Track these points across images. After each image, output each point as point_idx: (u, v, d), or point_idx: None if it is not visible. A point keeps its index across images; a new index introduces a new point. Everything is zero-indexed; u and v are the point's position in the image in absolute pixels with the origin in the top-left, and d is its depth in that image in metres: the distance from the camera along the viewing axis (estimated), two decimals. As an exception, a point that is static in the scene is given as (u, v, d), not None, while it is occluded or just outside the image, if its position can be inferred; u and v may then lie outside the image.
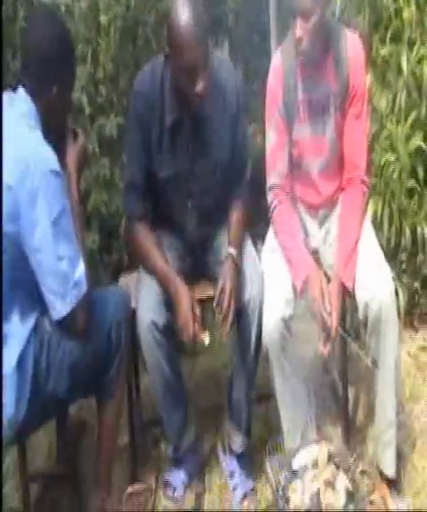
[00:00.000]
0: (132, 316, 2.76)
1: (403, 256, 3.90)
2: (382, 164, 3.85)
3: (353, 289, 2.79)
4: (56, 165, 2.38)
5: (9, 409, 2.41)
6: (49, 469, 3.23)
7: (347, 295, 2.83)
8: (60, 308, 2.43)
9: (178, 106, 2.77)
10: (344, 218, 2.96)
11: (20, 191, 2.31)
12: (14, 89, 2.50)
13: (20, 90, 2.48)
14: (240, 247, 2.90)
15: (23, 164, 2.32)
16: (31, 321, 2.48)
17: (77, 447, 3.29)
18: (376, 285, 2.73)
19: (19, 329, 2.45)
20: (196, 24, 2.56)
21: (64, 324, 2.49)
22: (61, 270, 2.39)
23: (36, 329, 2.48)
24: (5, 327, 2.43)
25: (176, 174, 2.88)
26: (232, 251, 2.84)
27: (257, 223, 3.17)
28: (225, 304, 2.73)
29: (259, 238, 3.13)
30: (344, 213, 2.97)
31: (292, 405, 2.87)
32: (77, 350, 2.55)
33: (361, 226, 2.94)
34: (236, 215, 2.98)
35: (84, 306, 2.47)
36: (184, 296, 2.72)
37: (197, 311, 2.71)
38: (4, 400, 2.40)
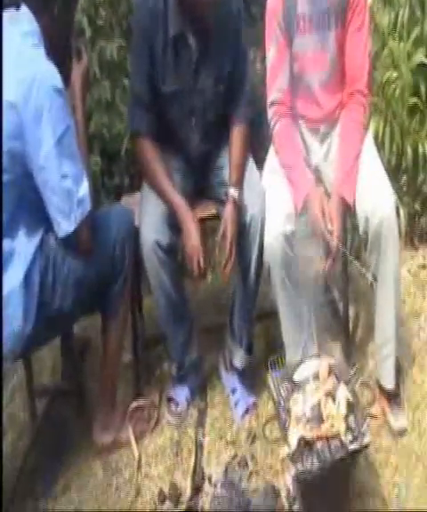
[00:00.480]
0: (135, 235, 2.77)
1: (404, 177, 3.89)
2: (384, 81, 3.80)
3: (354, 205, 2.79)
4: (60, 83, 2.37)
5: (16, 323, 2.45)
6: (54, 386, 3.29)
7: (347, 211, 2.83)
8: (65, 225, 2.45)
9: (181, 17, 2.73)
10: (345, 132, 2.95)
11: (25, 109, 2.30)
12: (17, 7, 2.45)
13: (24, 8, 2.44)
14: (241, 185, 2.89)
15: (27, 82, 2.31)
16: (37, 238, 2.51)
17: (82, 364, 3.35)
18: (377, 200, 2.73)
19: (25, 246, 2.48)
20: None
21: (69, 242, 2.52)
22: (66, 188, 2.40)
23: (41, 246, 2.51)
24: (12, 244, 2.46)
25: (180, 89, 2.86)
26: (233, 192, 2.83)
27: (258, 146, 3.15)
28: (226, 250, 2.75)
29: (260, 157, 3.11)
30: (345, 128, 2.96)
31: (293, 320, 2.91)
32: (82, 267, 2.59)
33: (362, 141, 2.94)
34: (237, 135, 2.96)
35: (88, 224, 2.50)
36: (193, 231, 2.74)
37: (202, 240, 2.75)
38: (12, 314, 2.44)
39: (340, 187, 2.82)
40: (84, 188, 2.45)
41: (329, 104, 3.02)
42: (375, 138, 3.65)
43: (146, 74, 2.84)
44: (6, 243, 2.45)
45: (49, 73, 2.36)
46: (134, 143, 2.98)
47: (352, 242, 3.30)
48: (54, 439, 3.01)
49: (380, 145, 3.67)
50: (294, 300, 2.87)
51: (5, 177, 2.37)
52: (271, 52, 2.93)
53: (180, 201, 2.78)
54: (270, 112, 2.97)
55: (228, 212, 2.80)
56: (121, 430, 2.97)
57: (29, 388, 2.99)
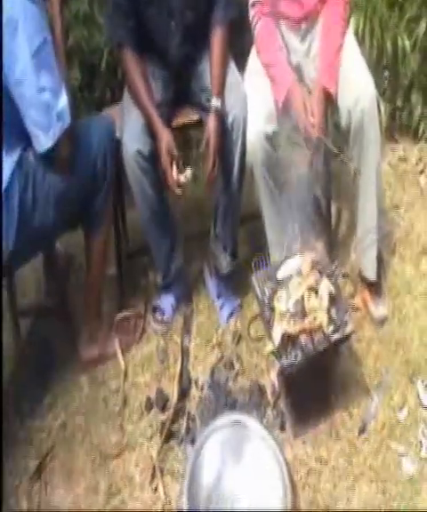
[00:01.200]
0: (117, 146, 2.72)
1: (385, 72, 3.84)
2: (364, -25, 3.70)
3: (336, 97, 2.76)
4: None
5: None
6: (38, 304, 3.25)
7: (329, 102, 2.78)
8: (44, 140, 2.38)
9: None
10: (327, 26, 2.88)
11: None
12: None
13: None
14: (223, 93, 2.79)
15: None
16: (15, 156, 2.44)
17: (65, 281, 3.30)
18: (358, 92, 2.70)
19: (3, 163, 2.41)
20: None
21: (49, 157, 2.45)
22: (44, 101, 2.33)
23: (20, 163, 2.45)
24: None
25: None
26: (215, 102, 2.75)
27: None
28: (210, 160, 2.70)
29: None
30: (326, 22, 2.88)
31: (276, 219, 2.89)
32: (63, 183, 2.53)
33: (344, 34, 2.88)
34: (217, 38, 2.85)
35: (68, 138, 2.43)
36: (164, 143, 2.66)
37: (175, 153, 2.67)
38: None
39: (322, 77, 2.78)
40: (62, 101, 2.38)
41: (310, 1, 2.91)
42: (355, 34, 3.53)
43: None
44: (-17, 161, 2.40)
45: None
46: (117, 54, 2.91)
47: (334, 140, 3.21)
48: (40, 357, 2.99)
49: (360, 41, 3.57)
50: (276, 200, 2.85)
51: None
52: None
53: (155, 116, 2.70)
54: (252, 12, 2.89)
55: (211, 122, 2.73)
56: (107, 343, 2.95)
57: (13, 308, 2.91)
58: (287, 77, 2.78)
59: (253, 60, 2.95)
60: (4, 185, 2.40)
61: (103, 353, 2.93)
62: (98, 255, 2.83)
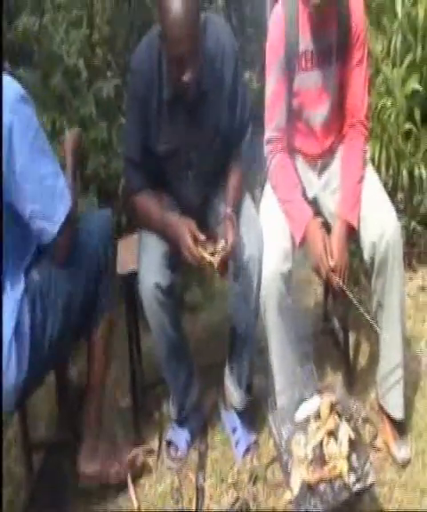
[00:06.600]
0: (134, 278, 2.75)
1: (400, 196, 3.87)
2: (379, 108, 3.79)
3: (358, 230, 2.76)
4: (21, 90, 2.34)
5: (11, 377, 2.40)
6: (51, 438, 3.19)
7: (352, 237, 2.79)
8: (49, 228, 2.41)
9: (175, 83, 2.65)
10: (347, 160, 2.91)
11: None
12: None
13: None
14: (237, 206, 2.84)
15: None
16: (20, 285, 2.44)
17: (79, 414, 3.18)
18: (383, 225, 2.70)
19: (12, 296, 2.42)
20: (185, 15, 2.43)
21: (53, 250, 2.48)
22: (46, 187, 2.38)
23: (27, 289, 2.45)
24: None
25: (176, 147, 2.81)
26: (229, 210, 2.76)
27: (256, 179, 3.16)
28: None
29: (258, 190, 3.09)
30: (347, 156, 2.92)
31: (285, 362, 2.84)
32: (68, 281, 2.55)
33: (364, 167, 2.91)
34: (234, 178, 2.90)
35: (70, 224, 2.45)
36: (183, 224, 2.65)
37: (198, 235, 2.61)
38: (6, 369, 2.39)
39: (344, 211, 2.79)
40: (62, 182, 2.42)
41: (328, 139, 2.98)
42: (371, 161, 3.60)
43: (140, 136, 2.81)
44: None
45: (8, 84, 2.32)
46: (129, 198, 2.94)
47: (351, 269, 3.20)
48: (52, 493, 2.89)
49: (376, 168, 3.60)
50: (286, 340, 2.81)
51: None
52: (270, 89, 2.87)
53: (167, 215, 2.74)
54: (267, 149, 2.92)
55: (225, 227, 2.71)
56: (106, 462, 2.82)
57: (25, 442, 2.87)
58: (305, 214, 2.79)
59: (268, 195, 2.97)
60: (15, 320, 2.39)
61: (103, 472, 2.80)
62: (100, 353, 2.77)
